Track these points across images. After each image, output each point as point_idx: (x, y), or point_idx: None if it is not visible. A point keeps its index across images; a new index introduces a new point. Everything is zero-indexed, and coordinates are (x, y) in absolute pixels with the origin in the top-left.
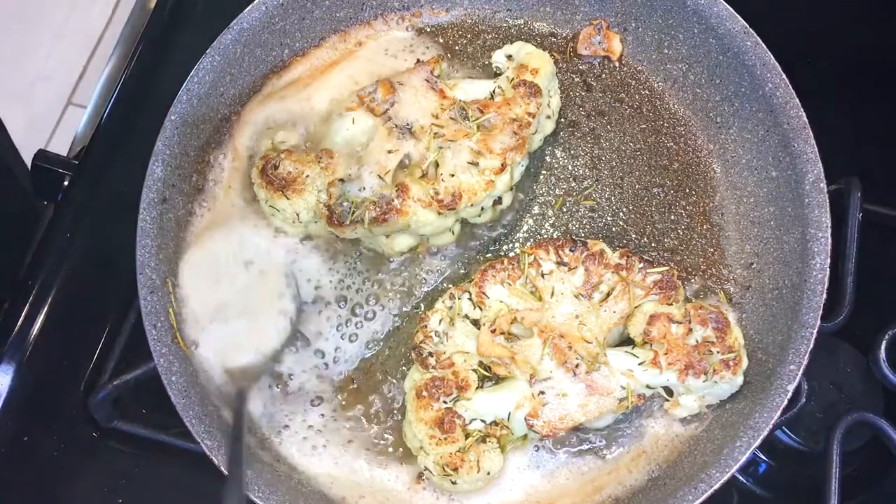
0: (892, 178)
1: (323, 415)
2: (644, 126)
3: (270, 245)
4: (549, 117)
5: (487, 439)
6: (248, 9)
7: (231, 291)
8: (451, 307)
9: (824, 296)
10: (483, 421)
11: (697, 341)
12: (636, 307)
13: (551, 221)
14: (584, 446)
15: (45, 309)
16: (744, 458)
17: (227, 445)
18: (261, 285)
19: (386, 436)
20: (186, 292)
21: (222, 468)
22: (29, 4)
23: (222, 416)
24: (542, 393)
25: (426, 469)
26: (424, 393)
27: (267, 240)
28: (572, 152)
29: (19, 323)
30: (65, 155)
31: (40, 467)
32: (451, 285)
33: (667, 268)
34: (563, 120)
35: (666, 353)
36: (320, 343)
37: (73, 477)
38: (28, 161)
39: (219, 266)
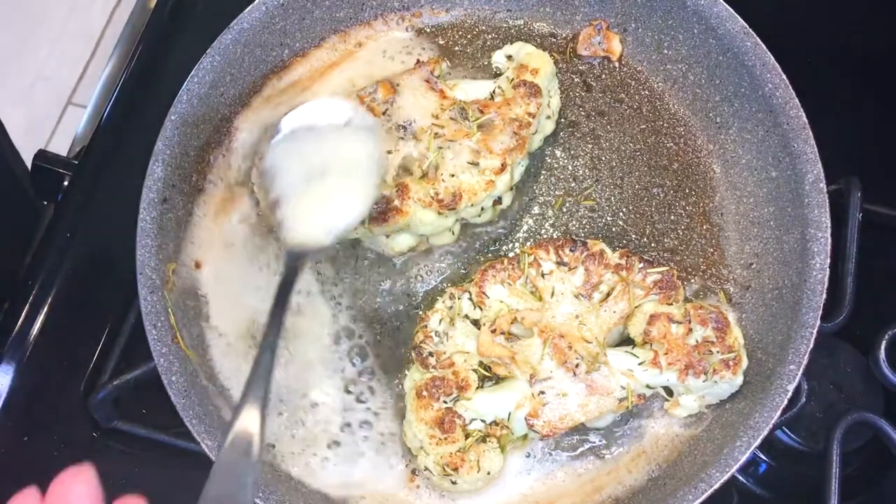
0: (892, 178)
1: (324, 416)
2: (644, 126)
3: None
4: (549, 117)
5: (487, 439)
6: (248, 9)
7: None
8: (451, 307)
9: (824, 296)
10: (483, 421)
11: (697, 341)
12: (636, 307)
13: (551, 221)
14: (584, 446)
15: (45, 309)
16: (744, 458)
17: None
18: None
19: (386, 436)
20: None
21: None
22: (29, 4)
23: (222, 415)
24: (542, 393)
25: (426, 469)
26: (424, 393)
27: None
28: (572, 152)
29: (19, 323)
30: (65, 155)
31: (40, 467)
32: (451, 285)
33: (667, 268)
34: (562, 120)
35: (666, 353)
36: None
37: None
38: (28, 161)
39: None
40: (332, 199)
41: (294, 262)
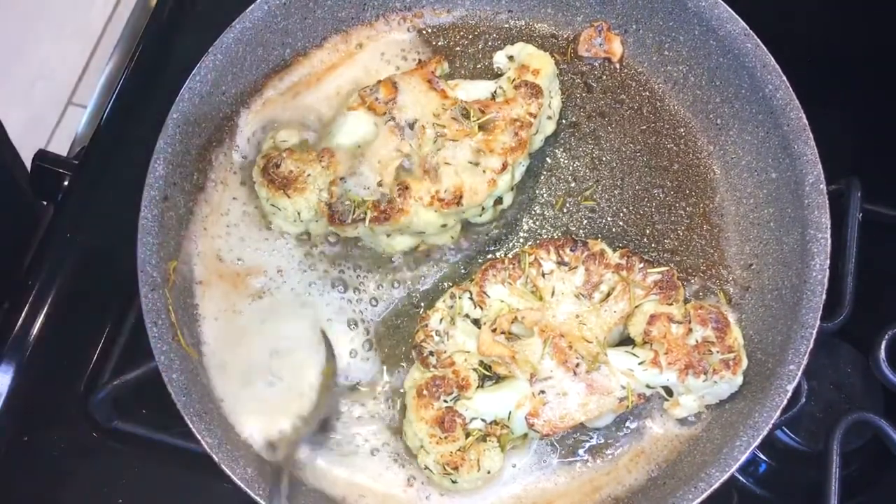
0: (892, 178)
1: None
2: (644, 127)
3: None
4: (549, 118)
5: (488, 438)
6: (250, 8)
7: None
8: (451, 306)
9: (824, 296)
10: (483, 420)
11: (697, 341)
12: (636, 307)
13: (552, 222)
14: (584, 446)
15: (45, 309)
16: (743, 458)
17: None
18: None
19: (386, 435)
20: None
21: (222, 466)
22: (29, 4)
23: (222, 413)
24: (542, 392)
25: (426, 468)
26: (425, 392)
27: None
28: (573, 153)
29: (19, 323)
30: (65, 155)
31: (40, 467)
32: (451, 285)
33: (667, 268)
34: (563, 121)
35: (666, 353)
36: None
37: (73, 477)
38: (28, 161)
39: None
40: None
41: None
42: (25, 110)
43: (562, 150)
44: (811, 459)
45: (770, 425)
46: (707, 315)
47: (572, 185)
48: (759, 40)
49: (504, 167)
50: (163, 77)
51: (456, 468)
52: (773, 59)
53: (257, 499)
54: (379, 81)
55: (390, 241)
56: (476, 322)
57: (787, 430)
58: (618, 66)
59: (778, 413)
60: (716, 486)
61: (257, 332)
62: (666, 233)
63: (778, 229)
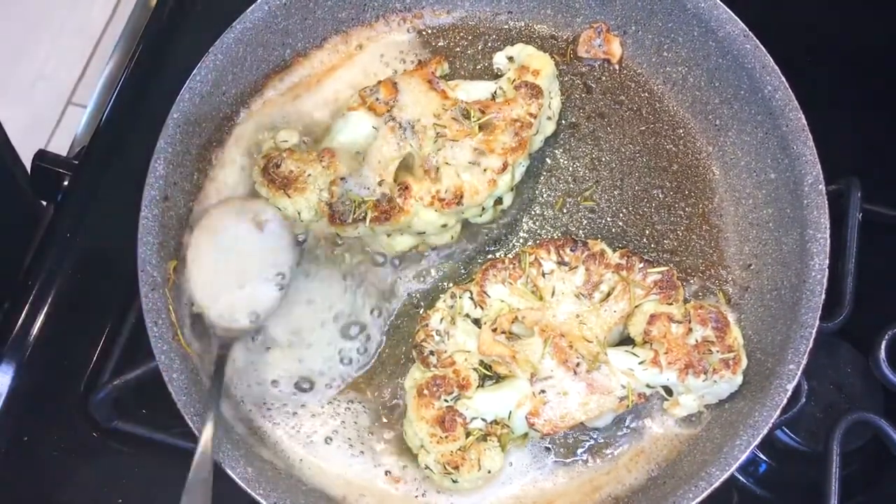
0: (892, 178)
1: (323, 413)
2: (644, 128)
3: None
4: (549, 118)
5: (488, 438)
6: (251, 8)
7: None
8: (452, 306)
9: (823, 296)
10: (484, 419)
11: (697, 341)
12: (636, 307)
13: (551, 222)
14: (584, 445)
15: (45, 309)
16: (743, 457)
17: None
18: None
19: (386, 434)
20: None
21: (223, 465)
22: (29, 4)
23: (222, 413)
24: (542, 392)
25: (426, 467)
26: (425, 391)
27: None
28: (572, 154)
29: (19, 323)
30: (65, 155)
31: (40, 467)
32: (451, 285)
33: (667, 268)
34: (563, 122)
35: (666, 353)
36: None
37: (73, 477)
38: (28, 161)
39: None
40: (251, 291)
41: (224, 345)
42: (25, 110)
43: (561, 150)
44: (811, 459)
45: (770, 425)
46: (707, 315)
47: (572, 185)
48: (758, 41)
49: (504, 167)
50: (163, 77)
51: (456, 468)
52: (772, 60)
53: (258, 498)
54: (379, 82)
55: (390, 241)
56: (476, 322)
57: (787, 430)
58: (617, 67)
59: (778, 413)
60: (716, 485)
61: None
62: (665, 233)
63: (777, 230)
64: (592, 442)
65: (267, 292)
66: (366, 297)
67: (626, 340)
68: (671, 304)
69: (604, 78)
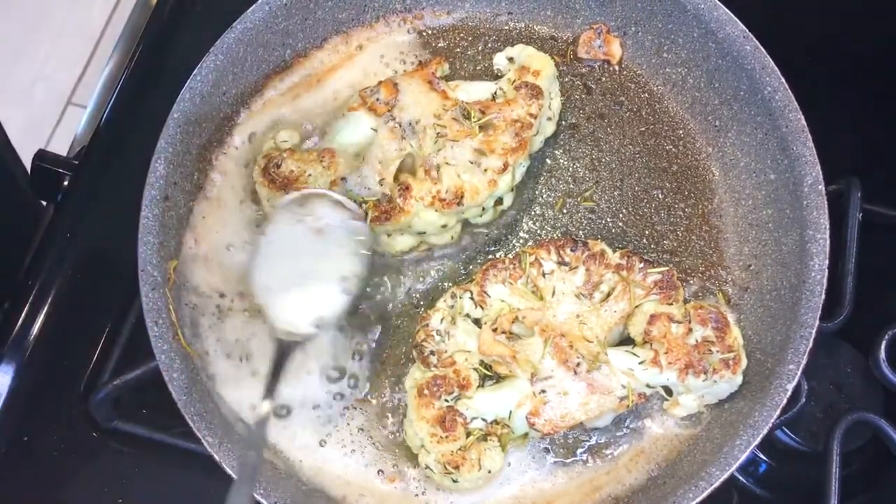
0: (892, 178)
1: (323, 413)
2: (643, 129)
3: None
4: (549, 119)
5: (488, 438)
6: (251, 8)
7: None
8: (452, 306)
9: (823, 296)
10: (484, 419)
11: (697, 341)
12: (636, 307)
13: (551, 222)
14: (584, 445)
15: (45, 309)
16: (743, 457)
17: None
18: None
19: (387, 434)
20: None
21: (223, 465)
22: (29, 4)
23: (223, 413)
24: (543, 391)
25: (427, 467)
26: (426, 391)
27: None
28: (572, 154)
29: (19, 323)
30: (65, 155)
31: (40, 467)
32: (451, 285)
33: (667, 268)
34: (563, 122)
35: (666, 353)
36: None
37: (73, 477)
38: (28, 161)
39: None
40: (318, 295)
41: (283, 350)
42: (25, 110)
43: (561, 151)
44: (811, 459)
45: (770, 425)
46: (707, 315)
47: (572, 186)
48: (757, 42)
49: (505, 167)
50: (163, 77)
51: (457, 467)
52: (771, 60)
53: (258, 498)
54: (380, 82)
55: (391, 241)
56: (477, 322)
57: (787, 430)
58: (617, 68)
59: (777, 412)
60: (716, 485)
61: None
62: (665, 234)
63: (777, 230)
64: (592, 442)
65: (332, 296)
66: (347, 340)
67: (626, 340)
68: (671, 304)
69: (604, 79)
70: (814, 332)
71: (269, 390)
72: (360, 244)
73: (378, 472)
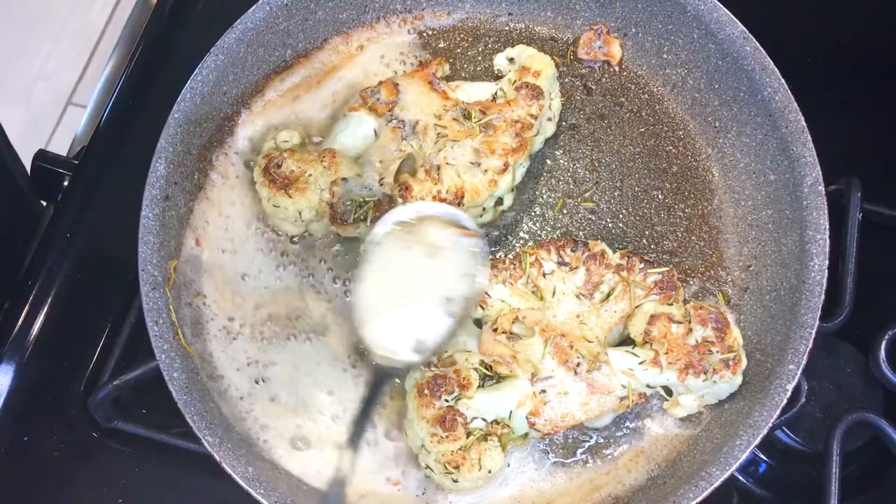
0: (892, 178)
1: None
2: (643, 130)
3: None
4: (550, 120)
5: (489, 438)
6: (252, 8)
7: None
8: None
9: (822, 296)
10: (484, 419)
11: (697, 341)
12: (637, 307)
13: (552, 223)
14: (584, 445)
15: (45, 309)
16: (743, 457)
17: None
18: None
19: (386, 434)
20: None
21: (223, 464)
22: (29, 4)
23: (223, 413)
24: (543, 391)
25: (427, 467)
26: (426, 391)
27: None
28: (572, 155)
29: (19, 323)
30: (65, 155)
31: (40, 467)
32: None
33: (667, 268)
34: (563, 123)
35: (666, 353)
36: None
37: (73, 477)
38: (28, 161)
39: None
40: (419, 318)
41: (379, 379)
42: (25, 110)
43: (562, 151)
44: (811, 459)
45: (770, 425)
46: (707, 315)
47: (572, 186)
48: (757, 43)
49: (505, 168)
50: (163, 77)
51: (457, 467)
52: (771, 62)
53: (259, 498)
54: (380, 82)
55: None
56: (477, 322)
57: (787, 430)
58: (617, 68)
59: (777, 412)
60: (716, 485)
61: None
62: (665, 234)
63: (776, 231)
64: (592, 442)
65: (435, 319)
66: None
67: (626, 340)
68: (671, 304)
69: (604, 80)
70: (814, 332)
71: (355, 438)
72: (475, 260)
73: (377, 473)
